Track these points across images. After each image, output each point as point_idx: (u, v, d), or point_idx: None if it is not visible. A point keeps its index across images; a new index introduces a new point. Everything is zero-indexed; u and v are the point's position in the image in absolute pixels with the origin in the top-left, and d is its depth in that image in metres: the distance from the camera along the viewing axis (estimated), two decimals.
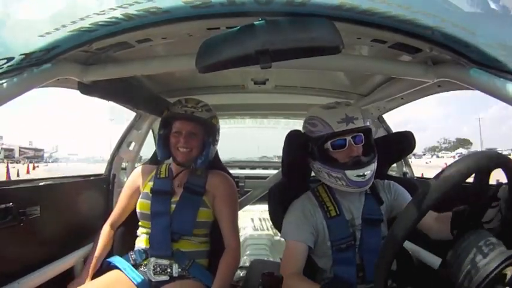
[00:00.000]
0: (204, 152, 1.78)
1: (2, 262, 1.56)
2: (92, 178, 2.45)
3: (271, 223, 1.83)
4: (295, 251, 1.52)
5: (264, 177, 3.23)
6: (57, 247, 1.92)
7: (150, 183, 1.84)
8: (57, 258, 1.89)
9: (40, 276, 1.72)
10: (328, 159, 1.51)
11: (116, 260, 1.73)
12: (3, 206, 1.56)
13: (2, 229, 1.55)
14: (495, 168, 0.93)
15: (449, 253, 0.96)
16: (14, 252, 1.63)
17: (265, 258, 3.42)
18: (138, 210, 1.80)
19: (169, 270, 1.67)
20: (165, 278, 1.66)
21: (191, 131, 1.76)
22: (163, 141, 1.83)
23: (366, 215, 1.56)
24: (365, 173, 1.47)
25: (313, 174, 1.91)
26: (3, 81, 1.10)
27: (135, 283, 1.63)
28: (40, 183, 1.93)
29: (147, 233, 1.75)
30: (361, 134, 1.52)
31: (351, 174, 1.46)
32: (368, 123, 1.52)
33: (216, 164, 2.07)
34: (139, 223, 1.82)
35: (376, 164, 1.52)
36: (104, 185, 2.45)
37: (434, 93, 1.83)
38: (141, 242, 1.76)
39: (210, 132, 1.81)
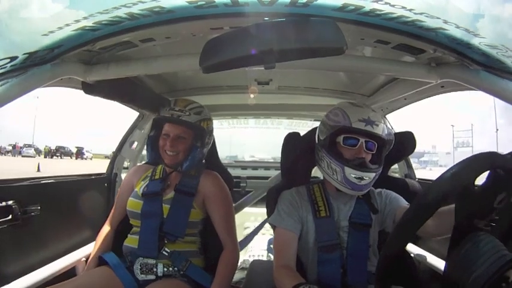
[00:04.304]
0: (189, 157, 1.75)
1: (4, 261, 1.57)
2: (93, 177, 2.45)
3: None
4: (285, 240, 1.53)
5: (265, 178, 3.24)
6: (58, 246, 1.92)
7: (142, 183, 1.83)
8: (58, 257, 1.89)
9: (42, 275, 1.73)
10: (335, 151, 1.50)
11: (108, 256, 1.73)
12: (4, 204, 1.56)
13: (4, 228, 1.55)
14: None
15: (451, 255, 0.96)
16: (15, 251, 1.64)
17: (266, 259, 3.43)
18: (128, 208, 1.78)
19: (154, 269, 1.66)
20: (152, 277, 1.66)
21: (179, 135, 1.73)
22: (152, 143, 1.83)
23: (353, 219, 1.55)
24: (364, 177, 1.44)
25: (313, 174, 1.91)
26: (7, 80, 1.11)
27: (123, 281, 1.63)
28: (41, 182, 1.93)
29: (136, 233, 1.75)
30: (375, 142, 1.50)
31: (349, 172, 1.44)
32: (385, 137, 1.49)
33: (214, 164, 2.06)
34: (130, 222, 1.81)
35: (377, 175, 1.50)
36: (106, 184, 2.45)
37: (438, 94, 1.83)
38: (129, 241, 1.76)
39: (199, 136, 1.78)
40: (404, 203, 1.55)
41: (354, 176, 1.44)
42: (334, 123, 1.50)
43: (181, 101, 1.79)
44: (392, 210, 1.55)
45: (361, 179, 1.44)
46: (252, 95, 2.50)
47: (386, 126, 1.50)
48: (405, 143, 1.74)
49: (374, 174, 1.47)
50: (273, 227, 1.64)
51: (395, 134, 1.63)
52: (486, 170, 0.91)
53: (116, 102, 2.09)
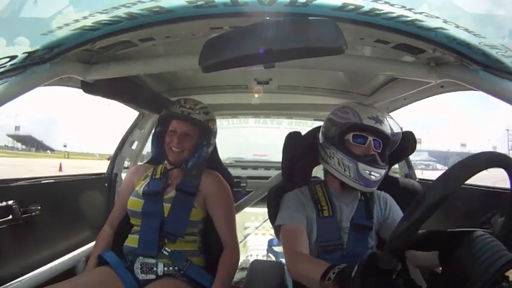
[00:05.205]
0: (196, 154, 1.77)
1: (4, 260, 1.57)
2: (93, 177, 2.45)
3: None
4: (295, 231, 1.50)
5: (266, 178, 3.23)
6: (58, 246, 1.92)
7: (143, 182, 1.83)
8: (58, 257, 1.89)
9: (42, 274, 1.73)
10: (346, 148, 1.50)
11: (108, 255, 1.72)
12: (4, 204, 1.56)
13: (4, 228, 1.55)
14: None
15: (452, 254, 0.96)
16: (15, 251, 1.64)
17: (266, 259, 3.43)
18: (128, 207, 1.78)
19: (155, 269, 1.66)
20: (152, 276, 1.66)
21: (186, 132, 1.75)
22: (158, 139, 1.84)
23: (355, 220, 1.55)
24: (375, 174, 1.46)
25: (313, 175, 1.91)
26: (6, 80, 1.11)
27: (124, 281, 1.63)
28: (41, 181, 1.93)
29: (137, 232, 1.74)
30: (381, 141, 1.52)
31: (363, 168, 1.44)
32: (391, 135, 1.50)
33: (215, 164, 2.05)
34: (130, 221, 1.81)
35: (385, 174, 1.51)
36: (106, 184, 2.45)
37: (437, 94, 1.83)
38: (130, 241, 1.75)
39: (205, 135, 1.80)
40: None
41: (367, 172, 1.45)
42: (344, 121, 1.50)
43: (190, 100, 1.81)
44: (391, 223, 1.54)
45: (373, 175, 1.46)
46: (252, 95, 2.50)
47: (390, 125, 1.51)
48: (405, 143, 1.74)
49: (384, 171, 1.49)
50: (277, 229, 1.62)
51: None
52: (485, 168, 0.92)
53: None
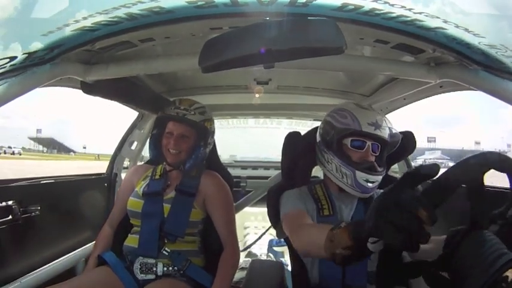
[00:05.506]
0: (193, 156, 1.77)
1: (4, 261, 1.56)
2: (93, 177, 2.45)
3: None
4: (299, 214, 1.49)
5: (265, 178, 3.23)
6: (58, 246, 1.92)
7: (143, 183, 1.84)
8: (58, 257, 1.89)
9: (42, 275, 1.73)
10: (343, 154, 1.50)
11: (107, 256, 1.72)
12: (4, 204, 1.56)
13: (4, 228, 1.55)
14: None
15: (450, 254, 0.96)
16: (15, 251, 1.64)
17: (266, 259, 3.43)
18: (128, 208, 1.79)
19: (154, 269, 1.67)
20: (152, 276, 1.66)
21: (182, 133, 1.75)
22: (155, 141, 1.84)
23: (355, 220, 1.54)
24: (373, 181, 1.46)
25: (313, 174, 1.91)
26: (6, 80, 1.11)
27: (123, 281, 1.63)
28: (41, 182, 1.93)
29: (137, 233, 1.75)
30: (379, 145, 1.52)
31: (360, 176, 1.45)
32: (389, 139, 1.50)
33: (214, 165, 2.06)
34: (130, 221, 1.81)
35: (382, 177, 1.51)
36: (106, 184, 2.45)
37: (437, 94, 1.83)
38: (130, 241, 1.76)
39: (202, 136, 1.80)
40: None
41: (364, 179, 1.45)
42: (343, 126, 1.50)
43: (185, 100, 1.81)
44: None
45: (371, 182, 1.46)
46: (251, 95, 2.50)
47: (389, 128, 1.51)
48: (405, 143, 1.74)
49: (381, 177, 1.50)
50: (279, 228, 1.62)
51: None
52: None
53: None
